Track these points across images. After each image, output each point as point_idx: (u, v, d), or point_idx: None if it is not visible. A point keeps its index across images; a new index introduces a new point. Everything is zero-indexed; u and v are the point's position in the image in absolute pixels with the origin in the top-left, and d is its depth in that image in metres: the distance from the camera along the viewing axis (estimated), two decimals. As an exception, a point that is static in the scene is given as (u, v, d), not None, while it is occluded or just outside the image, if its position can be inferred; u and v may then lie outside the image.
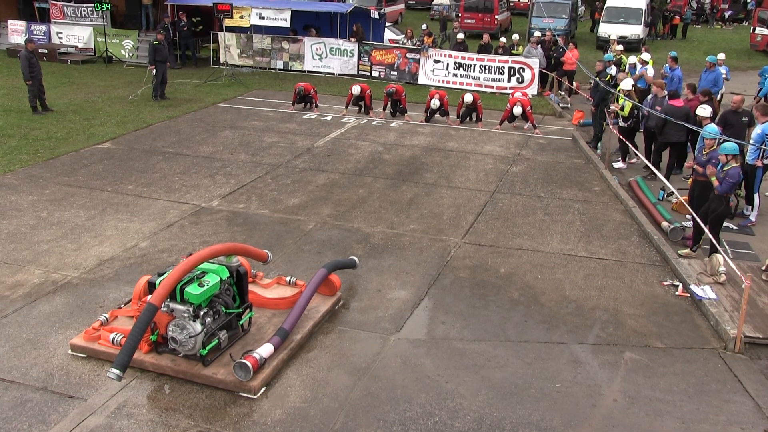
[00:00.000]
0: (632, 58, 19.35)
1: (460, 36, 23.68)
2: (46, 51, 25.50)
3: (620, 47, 22.19)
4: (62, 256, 9.93)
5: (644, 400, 7.14)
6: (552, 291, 9.34)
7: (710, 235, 9.77)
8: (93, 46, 26.66)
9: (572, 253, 10.49)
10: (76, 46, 26.79)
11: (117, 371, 6.64)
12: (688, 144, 13.77)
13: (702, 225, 10.02)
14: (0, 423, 6.64)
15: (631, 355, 7.91)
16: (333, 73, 24.25)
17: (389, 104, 18.70)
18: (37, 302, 8.60)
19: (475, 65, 22.34)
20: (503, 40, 23.99)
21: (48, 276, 9.26)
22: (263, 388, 7.16)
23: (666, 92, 14.15)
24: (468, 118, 18.50)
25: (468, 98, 18.05)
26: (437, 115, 18.45)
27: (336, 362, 7.71)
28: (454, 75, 22.64)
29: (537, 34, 23.24)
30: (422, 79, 23.04)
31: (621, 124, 14.61)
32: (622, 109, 14.40)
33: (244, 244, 9.19)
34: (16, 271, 9.50)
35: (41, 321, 8.17)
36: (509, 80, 22.04)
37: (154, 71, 20.02)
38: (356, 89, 18.65)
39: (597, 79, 16.51)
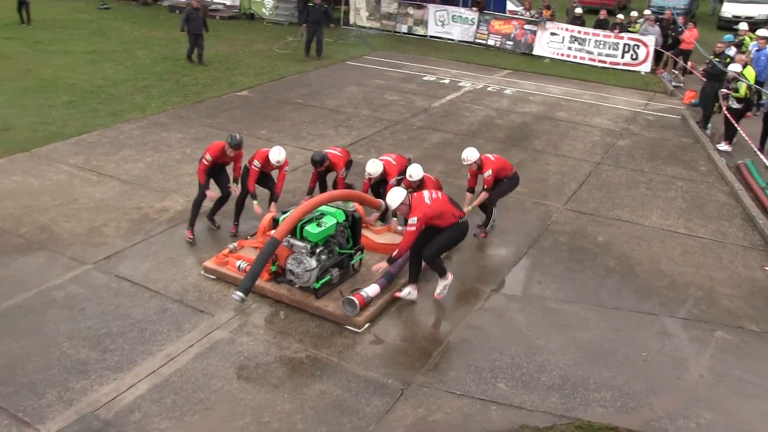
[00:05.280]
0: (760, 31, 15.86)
1: (578, 10, 22.73)
2: (199, 7, 26.20)
3: (744, 26, 19.22)
4: (194, 187, 10.30)
5: (732, 380, 6.77)
6: (647, 263, 9.02)
7: None
8: (238, 4, 27.22)
9: (671, 228, 10.07)
10: (224, 3, 27.42)
11: (241, 294, 6.95)
12: None
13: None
14: (147, 324, 7.14)
15: (723, 335, 7.52)
16: (453, 40, 23.85)
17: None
18: (178, 226, 9.03)
19: (590, 40, 21.46)
20: (620, 16, 22.93)
21: (188, 205, 9.67)
22: (367, 324, 7.32)
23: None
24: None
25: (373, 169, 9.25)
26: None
27: (436, 308, 7.77)
28: (569, 48, 21.86)
29: (647, 12, 21.97)
30: (537, 50, 22.35)
31: (735, 105, 13.71)
32: (737, 90, 13.52)
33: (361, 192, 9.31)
34: (163, 198, 9.99)
35: (181, 243, 8.58)
36: (623, 56, 21.06)
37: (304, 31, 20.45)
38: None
39: (713, 58, 15.48)
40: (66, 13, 25.70)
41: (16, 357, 6.55)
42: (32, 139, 12.21)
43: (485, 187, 9.18)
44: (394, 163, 9.33)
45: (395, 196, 7.41)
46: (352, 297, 7.17)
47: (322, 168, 9.24)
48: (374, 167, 9.01)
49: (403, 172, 9.04)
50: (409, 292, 7.79)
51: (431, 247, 7.52)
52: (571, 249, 9.30)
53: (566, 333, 7.38)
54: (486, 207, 9.45)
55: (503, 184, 9.43)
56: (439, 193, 7.57)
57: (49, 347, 6.72)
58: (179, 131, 13.09)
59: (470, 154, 9.16)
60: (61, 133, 12.59)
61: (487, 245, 9.16)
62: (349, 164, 9.57)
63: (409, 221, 7.20)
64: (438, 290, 7.74)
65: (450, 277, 7.75)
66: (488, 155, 9.40)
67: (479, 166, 9.22)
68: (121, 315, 7.27)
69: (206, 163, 8.66)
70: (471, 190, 9.44)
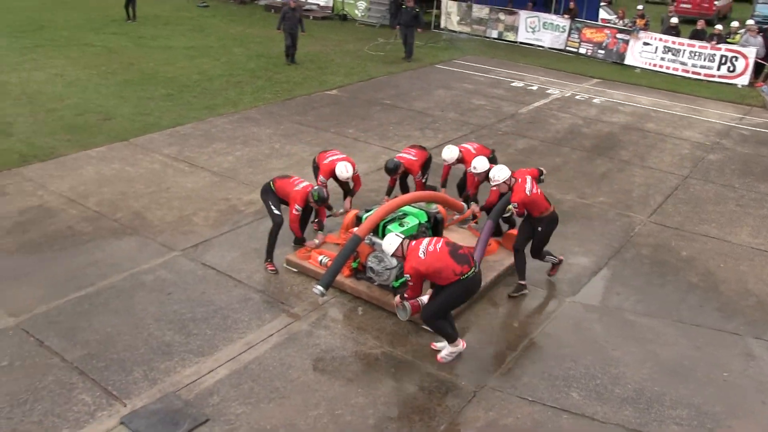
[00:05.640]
0: None
1: (674, 20, 22.01)
2: (296, 7, 26.72)
3: None
4: (288, 184, 10.57)
5: (818, 405, 6.44)
6: (733, 281, 8.68)
7: None
8: (332, 5, 27.64)
9: (762, 247, 9.64)
10: (318, 4, 27.89)
11: (321, 288, 7.08)
12: None
13: None
14: (229, 311, 7.38)
15: (811, 359, 7.15)
16: (543, 47, 23.51)
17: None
18: (263, 219, 9.22)
19: (684, 50, 20.74)
20: (719, 27, 22.07)
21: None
22: (443, 325, 7.32)
23: None
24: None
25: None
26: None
27: (511, 313, 7.71)
28: (662, 59, 21.19)
29: (749, 22, 21.03)
30: (629, 60, 21.77)
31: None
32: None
33: (444, 194, 9.33)
34: (251, 191, 10.27)
35: (265, 235, 8.78)
36: (719, 68, 20.24)
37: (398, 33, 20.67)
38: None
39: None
40: (168, 10, 26.73)
41: (108, 335, 6.89)
42: (131, 129, 12.78)
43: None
44: (473, 151, 9.22)
45: (389, 242, 6.55)
46: (406, 303, 6.75)
47: (396, 175, 9.30)
48: (449, 153, 9.03)
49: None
50: (445, 347, 6.77)
51: (428, 308, 6.62)
52: (653, 262, 9.05)
53: (644, 346, 7.19)
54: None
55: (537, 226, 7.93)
56: (440, 244, 6.35)
57: (137, 327, 7.03)
58: (269, 127, 13.42)
59: (499, 173, 7.94)
60: (157, 125, 13.13)
61: (567, 254, 9.01)
62: (426, 165, 9.53)
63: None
64: (441, 354, 6.76)
65: (461, 344, 6.72)
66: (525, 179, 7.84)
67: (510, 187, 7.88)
68: (206, 301, 7.53)
69: (296, 213, 8.07)
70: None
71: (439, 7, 25.88)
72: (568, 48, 23.14)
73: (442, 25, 25.58)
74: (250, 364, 6.55)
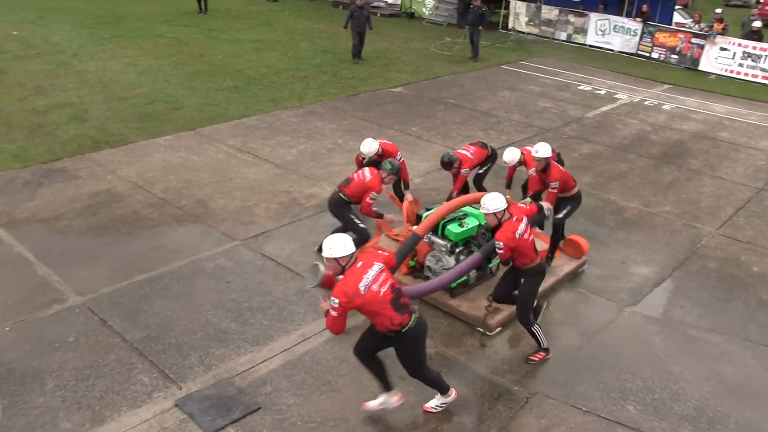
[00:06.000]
0: None
1: (756, 24, 21.08)
2: (363, 5, 26.83)
3: None
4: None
5: None
6: (806, 300, 8.32)
7: None
8: (400, 2, 27.65)
9: (837, 265, 9.22)
10: (386, 2, 27.95)
11: None
12: None
13: None
14: (286, 303, 7.45)
15: None
16: (613, 50, 23.02)
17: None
18: (324, 213, 9.26)
19: (766, 56, 19.97)
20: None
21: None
22: (499, 328, 7.22)
23: None
24: None
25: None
26: None
27: (569, 321, 7.55)
28: (740, 65, 20.46)
29: None
30: (703, 65, 21.09)
31: None
32: None
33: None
34: (312, 184, 10.36)
35: (326, 229, 8.80)
36: (801, 76, 19.46)
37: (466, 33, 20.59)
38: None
39: None
40: (239, 4, 27.20)
41: (168, 318, 7.04)
42: (198, 119, 13.04)
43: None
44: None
45: (318, 269, 5.46)
46: (321, 264, 5.52)
47: (453, 170, 9.18)
48: (509, 156, 8.85)
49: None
50: (382, 402, 5.93)
51: (360, 346, 5.75)
52: (720, 276, 8.74)
53: (706, 363, 6.95)
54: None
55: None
56: (386, 286, 5.19)
57: (195, 313, 7.16)
58: (333, 122, 13.51)
59: (512, 155, 8.70)
60: (223, 115, 13.37)
61: (629, 262, 8.79)
62: (484, 163, 9.38)
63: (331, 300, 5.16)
64: (430, 402, 6.05)
65: (453, 394, 6.00)
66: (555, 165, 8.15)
67: (545, 169, 8.05)
68: (263, 291, 7.62)
69: (372, 200, 7.80)
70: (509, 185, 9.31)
71: (507, 8, 25.61)
72: (639, 52, 22.57)
73: (510, 25, 25.31)
74: (303, 356, 6.60)
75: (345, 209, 7.98)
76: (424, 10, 26.82)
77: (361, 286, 5.04)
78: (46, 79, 15.26)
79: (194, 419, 5.74)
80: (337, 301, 4.98)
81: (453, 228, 7.44)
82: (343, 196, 7.95)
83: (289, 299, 7.51)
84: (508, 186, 9.53)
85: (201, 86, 15.32)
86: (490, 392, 6.31)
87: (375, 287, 5.10)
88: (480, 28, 20.41)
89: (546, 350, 6.81)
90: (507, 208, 6.46)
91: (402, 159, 9.05)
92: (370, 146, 8.83)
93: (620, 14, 23.93)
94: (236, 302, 7.40)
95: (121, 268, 7.92)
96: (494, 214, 6.41)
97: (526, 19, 25.11)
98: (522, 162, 8.94)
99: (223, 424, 5.70)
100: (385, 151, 8.95)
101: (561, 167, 8.12)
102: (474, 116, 14.69)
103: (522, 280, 6.61)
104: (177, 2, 26.08)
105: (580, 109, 15.99)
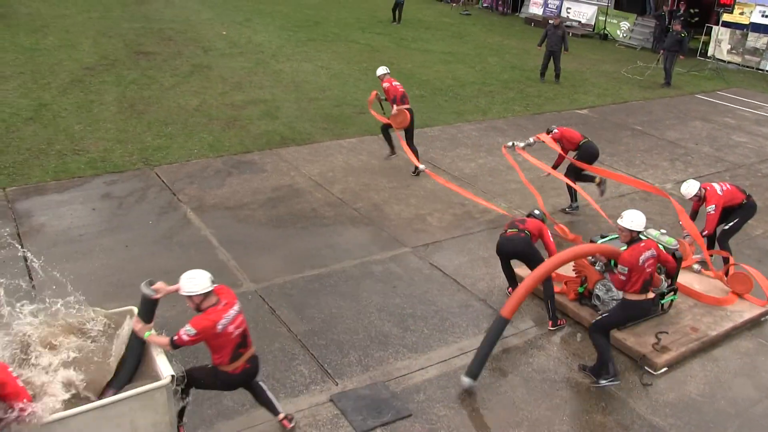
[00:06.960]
0: None
1: None
2: (559, 25, 26.35)
3: None
4: (524, 197, 10.38)
5: None
6: None
7: None
8: (593, 23, 26.84)
9: None
10: (579, 21, 27.24)
11: (468, 380, 6.32)
12: None
13: None
14: (448, 314, 7.45)
15: None
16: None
17: None
18: (496, 229, 9.03)
19: None
20: None
21: (510, 211, 9.79)
22: (665, 368, 6.76)
23: None
24: None
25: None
26: None
27: (745, 371, 6.89)
28: None
29: None
30: None
31: None
32: None
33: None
34: (488, 199, 10.18)
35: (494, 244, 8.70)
36: None
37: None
38: None
39: None
40: (431, 15, 27.67)
41: (333, 315, 7.24)
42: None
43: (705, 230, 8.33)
44: (719, 192, 8.30)
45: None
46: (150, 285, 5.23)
47: (698, 201, 8.58)
48: (686, 188, 8.35)
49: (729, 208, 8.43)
50: None
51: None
52: None
53: None
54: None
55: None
56: (239, 330, 5.20)
57: (359, 314, 7.30)
58: (515, 138, 13.22)
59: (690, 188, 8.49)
60: (406, 124, 13.57)
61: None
62: (737, 211, 8.55)
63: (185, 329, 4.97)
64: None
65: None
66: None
67: (701, 199, 8.48)
68: (427, 300, 7.63)
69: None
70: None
71: (708, 34, 24.03)
72: None
73: (710, 52, 23.68)
74: (460, 370, 6.51)
75: (534, 248, 7.46)
76: (618, 32, 25.85)
77: (219, 325, 5.02)
78: (245, 76, 16.32)
79: (346, 416, 5.85)
80: (193, 331, 4.95)
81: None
82: (529, 233, 7.49)
83: (453, 311, 7.46)
84: (692, 218, 8.79)
85: (387, 93, 15.68)
86: (654, 439, 5.90)
87: (231, 329, 5.12)
88: (681, 56, 19.28)
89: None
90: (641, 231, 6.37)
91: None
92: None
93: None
94: (400, 308, 7.46)
95: (295, 261, 8.27)
96: (630, 230, 6.31)
97: (729, 46, 23.42)
98: (701, 198, 8.35)
99: (374, 425, 5.76)
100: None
101: (717, 191, 8.34)
102: (661, 145, 13.89)
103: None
104: (372, 10, 27.00)
105: (783, 147, 14.65)
